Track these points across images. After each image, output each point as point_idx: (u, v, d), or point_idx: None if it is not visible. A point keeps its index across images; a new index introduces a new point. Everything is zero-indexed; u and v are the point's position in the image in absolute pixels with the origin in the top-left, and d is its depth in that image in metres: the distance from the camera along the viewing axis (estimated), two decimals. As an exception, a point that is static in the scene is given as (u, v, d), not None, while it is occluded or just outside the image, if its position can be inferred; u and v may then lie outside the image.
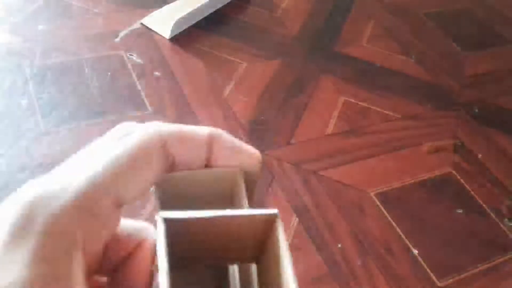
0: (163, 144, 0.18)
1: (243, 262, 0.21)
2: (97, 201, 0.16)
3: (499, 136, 1.00)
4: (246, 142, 0.95)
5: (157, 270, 0.16)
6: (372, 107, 1.02)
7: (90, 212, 0.16)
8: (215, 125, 0.92)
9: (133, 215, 0.75)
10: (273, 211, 0.19)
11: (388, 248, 0.77)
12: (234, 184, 0.21)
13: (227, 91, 1.00)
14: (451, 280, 0.75)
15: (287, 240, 0.20)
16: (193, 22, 1.15)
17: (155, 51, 1.06)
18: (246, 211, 0.19)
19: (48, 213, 0.15)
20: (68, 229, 0.15)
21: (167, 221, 0.18)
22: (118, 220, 0.18)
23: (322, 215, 0.80)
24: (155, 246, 0.20)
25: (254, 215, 0.19)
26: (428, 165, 0.91)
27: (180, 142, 0.19)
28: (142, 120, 0.90)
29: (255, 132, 0.92)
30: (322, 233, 0.78)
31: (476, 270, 0.77)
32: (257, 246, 0.20)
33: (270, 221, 0.20)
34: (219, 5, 1.21)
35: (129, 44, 1.07)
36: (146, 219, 0.76)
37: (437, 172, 0.90)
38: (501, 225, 0.83)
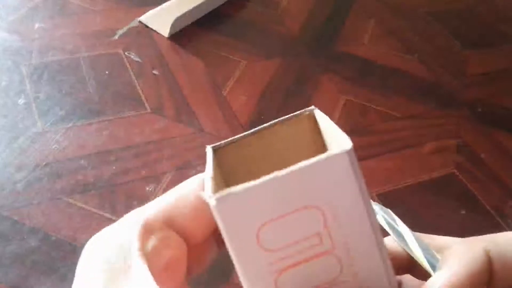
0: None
1: None
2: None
3: (503, 136, 0.98)
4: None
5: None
6: (373, 106, 1.01)
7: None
8: (215, 124, 0.91)
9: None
10: (310, 108, 0.19)
11: (390, 249, 0.76)
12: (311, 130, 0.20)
13: (226, 90, 0.99)
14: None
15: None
16: (192, 20, 1.14)
17: (154, 50, 1.05)
18: (283, 118, 0.19)
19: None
20: None
21: (215, 150, 0.18)
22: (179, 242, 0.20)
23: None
24: None
25: (291, 117, 0.19)
26: (431, 165, 0.90)
27: None
28: (140, 118, 0.89)
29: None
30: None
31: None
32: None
33: (312, 121, 0.19)
34: (219, 3, 1.20)
35: (127, 43, 1.06)
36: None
37: (439, 172, 0.89)
38: (505, 226, 0.82)
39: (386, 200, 0.82)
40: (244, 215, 0.16)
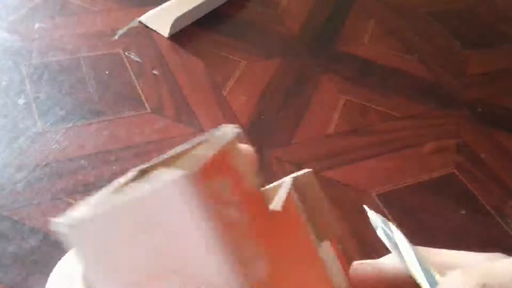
0: None
1: None
2: None
3: (503, 136, 0.98)
4: (246, 142, 0.94)
5: None
6: (373, 106, 1.01)
7: None
8: (215, 124, 0.91)
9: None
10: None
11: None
12: None
13: (226, 90, 0.99)
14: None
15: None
16: (192, 20, 1.13)
17: (154, 50, 1.05)
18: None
19: None
20: None
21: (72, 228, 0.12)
22: None
23: (323, 216, 0.79)
24: None
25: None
26: (431, 165, 0.90)
27: None
28: (140, 118, 0.89)
29: (255, 132, 0.91)
30: (323, 234, 0.76)
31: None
32: None
33: None
34: (219, 3, 1.20)
35: (127, 43, 1.05)
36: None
37: (439, 173, 0.89)
38: (505, 226, 0.82)
39: (386, 200, 0.82)
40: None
